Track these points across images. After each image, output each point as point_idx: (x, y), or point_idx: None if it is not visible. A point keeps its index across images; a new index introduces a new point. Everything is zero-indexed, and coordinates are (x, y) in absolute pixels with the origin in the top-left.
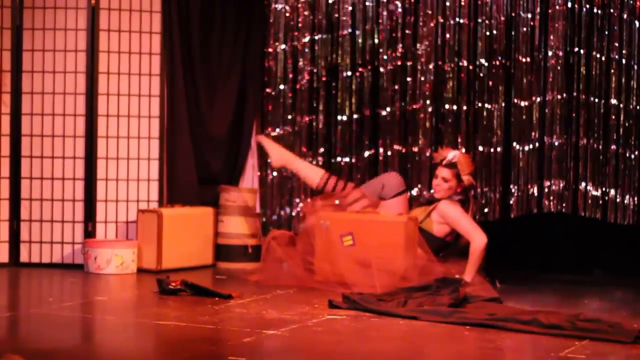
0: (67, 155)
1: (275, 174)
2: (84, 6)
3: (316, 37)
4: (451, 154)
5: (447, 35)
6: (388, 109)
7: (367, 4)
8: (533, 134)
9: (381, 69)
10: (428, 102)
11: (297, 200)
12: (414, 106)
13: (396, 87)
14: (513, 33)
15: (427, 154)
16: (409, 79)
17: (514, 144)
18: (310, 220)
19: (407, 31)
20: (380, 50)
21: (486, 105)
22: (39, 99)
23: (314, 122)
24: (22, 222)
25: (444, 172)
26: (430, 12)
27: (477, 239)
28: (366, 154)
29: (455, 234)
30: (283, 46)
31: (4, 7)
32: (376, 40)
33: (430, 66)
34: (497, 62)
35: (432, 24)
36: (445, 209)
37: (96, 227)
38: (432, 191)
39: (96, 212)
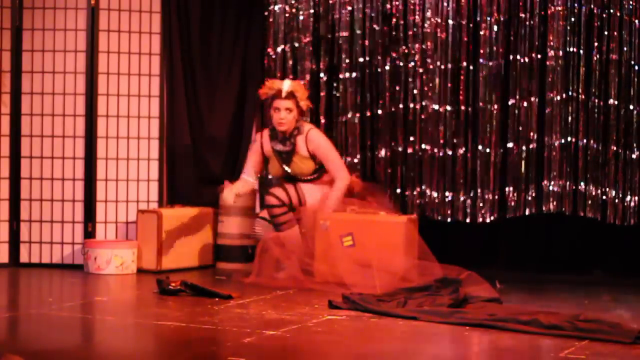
0: (66, 156)
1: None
2: (84, 6)
3: (316, 38)
4: (286, 85)
5: (445, 36)
6: (390, 109)
7: (366, 4)
8: (532, 134)
9: (379, 70)
10: (426, 102)
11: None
12: (411, 106)
13: (396, 87)
14: (512, 33)
15: (425, 156)
16: (409, 79)
17: (513, 144)
18: (308, 222)
19: (409, 32)
20: (379, 50)
21: (485, 105)
22: (38, 99)
23: (314, 123)
24: (22, 223)
25: (286, 103)
26: (429, 12)
27: (344, 179)
28: (367, 154)
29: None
30: (282, 46)
31: (4, 7)
32: (378, 41)
33: (429, 67)
34: (496, 63)
35: (432, 24)
36: (318, 137)
37: (96, 228)
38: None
39: (96, 213)
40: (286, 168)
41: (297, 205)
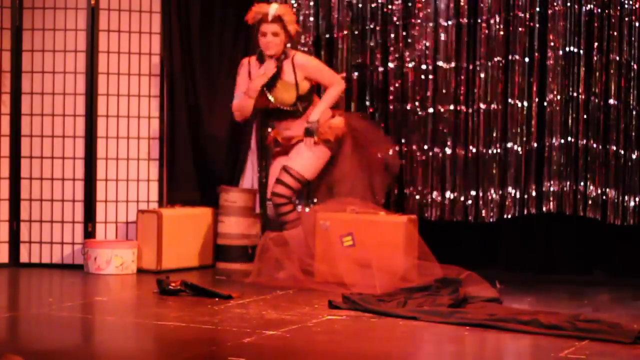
0: (66, 156)
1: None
2: (84, 6)
3: (316, 37)
4: (273, 8)
5: (445, 36)
6: (390, 109)
7: (366, 4)
8: (532, 134)
9: (380, 69)
10: (425, 102)
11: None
12: (411, 106)
13: (395, 86)
14: (511, 33)
15: (426, 156)
16: (404, 79)
17: (513, 144)
18: (308, 222)
19: (410, 32)
20: (379, 50)
21: (485, 105)
22: (38, 99)
23: None
24: (22, 223)
25: (273, 27)
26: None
27: (339, 84)
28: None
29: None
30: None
31: (4, 7)
32: (378, 40)
33: (428, 67)
34: (496, 63)
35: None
36: (306, 60)
37: (96, 228)
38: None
39: (96, 213)
40: (269, 96)
41: (304, 181)
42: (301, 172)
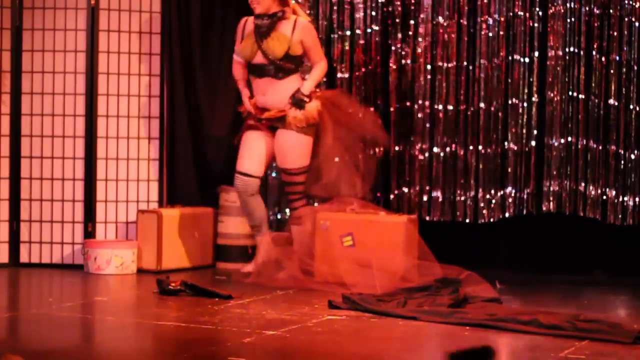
0: (67, 156)
1: (274, 174)
2: (84, 6)
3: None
4: None
5: (445, 36)
6: (390, 109)
7: (367, 4)
8: (532, 134)
9: (379, 69)
10: (425, 102)
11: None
12: (411, 105)
13: (395, 85)
14: (511, 33)
15: (426, 155)
16: (405, 78)
17: (513, 144)
18: (308, 222)
19: (409, 32)
20: (380, 50)
21: (485, 105)
22: (38, 99)
23: None
24: (22, 223)
25: None
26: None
27: (325, 64)
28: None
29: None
30: None
31: (4, 7)
32: (376, 39)
33: (428, 67)
34: (496, 63)
35: (429, 25)
36: (310, 31)
37: (96, 228)
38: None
39: (96, 213)
40: (260, 43)
41: (307, 169)
42: (299, 165)
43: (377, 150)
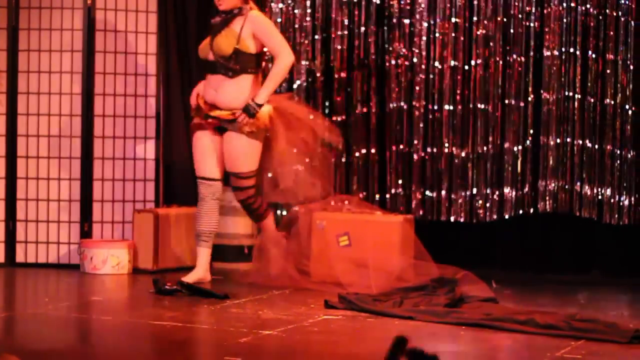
0: (63, 156)
1: (270, 174)
2: (80, 6)
3: (315, 37)
4: None
5: (442, 36)
6: (387, 109)
7: (363, 4)
8: (528, 133)
9: (376, 69)
10: (421, 102)
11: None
12: (408, 105)
13: (392, 86)
14: (508, 33)
15: (422, 155)
16: (401, 79)
17: (509, 144)
18: (304, 222)
19: (407, 31)
20: (377, 49)
21: (482, 105)
22: (35, 99)
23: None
24: (18, 222)
25: None
26: (424, 12)
27: (287, 56)
28: (363, 152)
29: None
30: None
31: (0, 7)
32: (375, 39)
33: (425, 67)
34: (492, 63)
35: (425, 24)
36: (259, 19)
37: (92, 227)
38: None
39: (92, 212)
40: (212, 41)
41: (255, 173)
42: (249, 169)
43: (334, 151)
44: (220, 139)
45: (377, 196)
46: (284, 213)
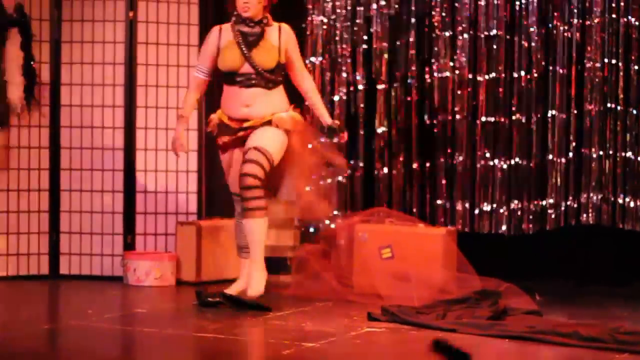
0: (106, 168)
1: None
2: (122, 19)
3: (354, 49)
4: None
5: (484, 48)
6: (428, 121)
7: (404, 15)
8: (570, 145)
9: (416, 81)
10: (465, 114)
11: (335, 214)
12: (450, 118)
13: (434, 98)
14: (550, 45)
15: (465, 167)
16: (443, 91)
17: (552, 156)
18: (346, 235)
19: (447, 44)
20: (415, 63)
21: (524, 117)
22: (77, 111)
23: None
24: (61, 234)
25: None
26: (465, 25)
27: (310, 78)
28: (404, 167)
29: None
30: (320, 58)
31: (43, 20)
32: (416, 52)
33: (468, 78)
34: (535, 74)
35: (467, 36)
36: (293, 34)
37: (135, 239)
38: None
39: (135, 224)
40: (247, 53)
41: (272, 164)
42: (272, 153)
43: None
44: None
45: (419, 209)
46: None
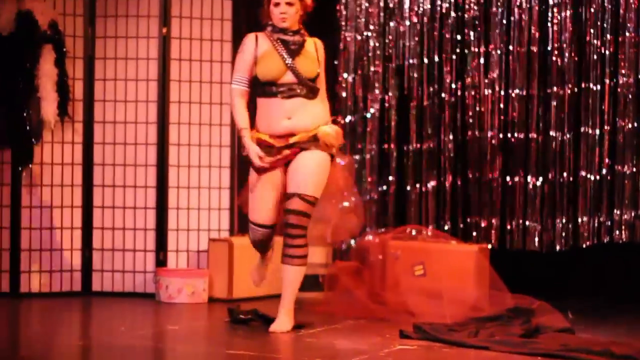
0: (138, 185)
1: (346, 204)
2: (155, 35)
3: (386, 66)
4: None
5: (515, 64)
6: (457, 137)
7: (434, 32)
8: (603, 162)
9: (448, 97)
10: (496, 131)
11: (367, 230)
12: (482, 134)
13: (468, 114)
14: (584, 60)
15: (497, 184)
16: (476, 107)
17: (585, 172)
18: (378, 252)
19: (478, 60)
20: (448, 79)
21: (557, 133)
22: (110, 128)
23: (385, 151)
24: (94, 251)
25: None
26: (496, 41)
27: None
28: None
29: None
30: (352, 75)
31: (76, 36)
32: (445, 69)
33: (499, 95)
34: (567, 90)
35: (498, 52)
36: (323, 50)
37: (167, 256)
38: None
39: (167, 241)
40: (290, 61)
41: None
42: (315, 194)
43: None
44: (285, 174)
45: (451, 225)
46: (353, 243)
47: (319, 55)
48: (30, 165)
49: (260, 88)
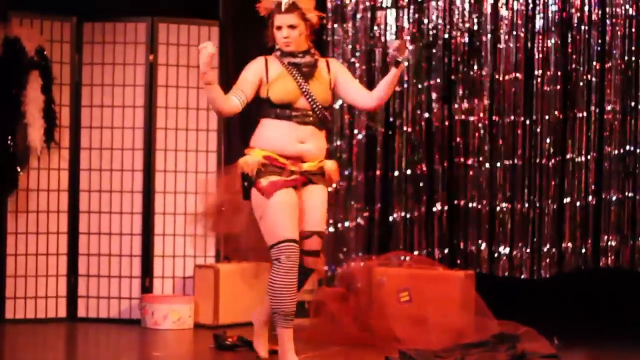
0: (124, 210)
1: (332, 229)
2: (142, 62)
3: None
4: None
5: (502, 90)
6: (445, 164)
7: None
8: (590, 189)
9: (436, 124)
10: (480, 157)
11: (353, 256)
12: (467, 161)
13: (453, 142)
14: (569, 87)
15: (482, 211)
16: (464, 134)
17: (570, 198)
18: (364, 278)
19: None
20: (436, 105)
21: (543, 160)
22: (97, 154)
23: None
24: (79, 277)
25: (288, 18)
26: (483, 68)
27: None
28: (422, 209)
29: None
30: (340, 101)
31: (63, 63)
32: (434, 96)
33: (485, 122)
34: (553, 117)
35: (487, 79)
36: (341, 66)
37: (153, 283)
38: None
39: (153, 268)
40: (304, 85)
41: None
42: (325, 231)
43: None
44: (299, 196)
45: (438, 251)
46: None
47: (334, 70)
48: (15, 191)
49: (271, 109)
